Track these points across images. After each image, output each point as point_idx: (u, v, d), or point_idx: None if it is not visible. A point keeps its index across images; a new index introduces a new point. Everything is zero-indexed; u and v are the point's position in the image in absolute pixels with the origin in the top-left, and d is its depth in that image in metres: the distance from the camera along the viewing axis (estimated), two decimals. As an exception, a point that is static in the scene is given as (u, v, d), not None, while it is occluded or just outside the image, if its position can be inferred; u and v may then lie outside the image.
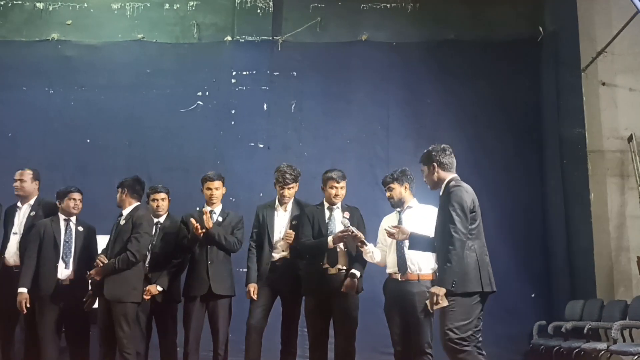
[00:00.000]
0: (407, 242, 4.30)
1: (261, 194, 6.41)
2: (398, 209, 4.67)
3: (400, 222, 4.57)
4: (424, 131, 7.05)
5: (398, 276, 4.47)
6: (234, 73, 7.43)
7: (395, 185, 4.61)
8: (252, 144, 7.27)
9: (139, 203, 4.98)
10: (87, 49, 7.52)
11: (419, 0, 7.59)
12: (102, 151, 7.20)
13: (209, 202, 5.07)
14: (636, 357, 4.89)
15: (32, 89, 7.38)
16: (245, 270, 4.98)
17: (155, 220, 5.12)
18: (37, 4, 7.66)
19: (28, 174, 5.34)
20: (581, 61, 7.06)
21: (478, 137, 7.14)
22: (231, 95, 7.39)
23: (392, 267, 4.54)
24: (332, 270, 4.69)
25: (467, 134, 7.08)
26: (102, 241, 5.15)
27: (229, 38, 7.55)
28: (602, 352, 5.50)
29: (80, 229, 5.14)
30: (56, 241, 4.99)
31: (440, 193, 3.89)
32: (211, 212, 5.03)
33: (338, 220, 4.76)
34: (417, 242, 4.17)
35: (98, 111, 7.33)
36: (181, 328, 5.03)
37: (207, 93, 7.41)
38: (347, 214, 4.77)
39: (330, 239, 4.66)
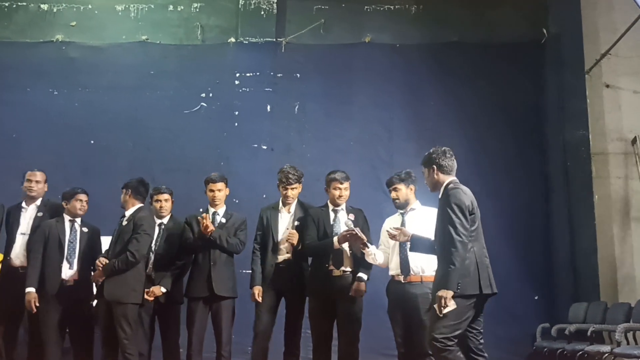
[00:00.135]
0: (408, 244, 4.30)
1: (264, 196, 6.41)
2: (401, 211, 4.66)
3: (403, 223, 4.57)
4: (426, 133, 7.04)
5: (401, 278, 4.47)
6: (237, 74, 7.45)
7: (401, 186, 4.62)
8: (256, 145, 7.28)
9: (142, 205, 4.99)
10: (91, 50, 7.54)
11: (422, 2, 7.59)
12: (106, 152, 7.21)
13: (212, 203, 5.07)
14: (640, 360, 4.89)
15: (35, 90, 7.40)
16: (249, 271, 4.98)
17: (159, 221, 5.12)
18: (42, 6, 7.69)
19: (42, 176, 5.34)
20: (585, 63, 7.05)
21: (481, 139, 7.14)
22: (234, 97, 7.40)
23: (395, 269, 4.54)
24: (337, 272, 4.69)
25: (470, 136, 7.08)
26: (106, 242, 5.15)
27: (233, 40, 7.57)
28: (606, 354, 5.48)
29: (85, 230, 5.15)
30: (61, 242, 5.00)
31: (439, 196, 3.90)
32: (214, 213, 5.04)
33: (343, 222, 4.75)
34: (419, 244, 4.18)
35: (101, 112, 7.34)
36: (184, 329, 5.03)
37: (210, 94, 7.42)
38: (351, 216, 4.76)
39: (335, 239, 4.66)
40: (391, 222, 4.65)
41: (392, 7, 7.61)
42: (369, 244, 4.56)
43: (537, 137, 7.23)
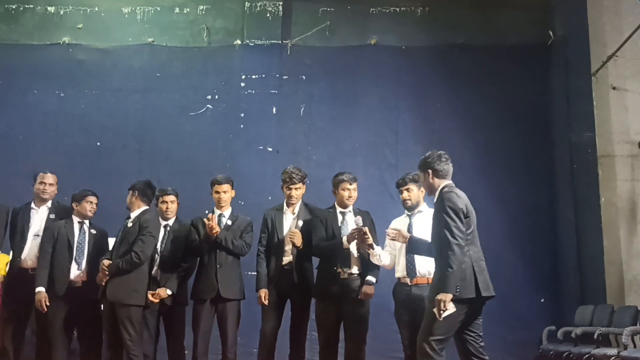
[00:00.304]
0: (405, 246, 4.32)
1: (270, 197, 6.42)
2: (409, 213, 4.66)
3: (410, 225, 4.57)
4: (433, 135, 7.04)
5: (407, 280, 4.47)
6: (243, 77, 7.46)
7: (414, 187, 4.61)
8: (261, 147, 7.29)
9: (147, 207, 5.00)
10: (98, 52, 7.57)
11: (429, 4, 7.59)
12: (112, 154, 7.24)
13: (218, 205, 5.07)
14: (647, 363, 4.87)
15: (43, 93, 7.43)
16: (254, 273, 4.98)
17: (164, 223, 5.13)
18: (49, 8, 7.72)
19: (54, 178, 5.35)
20: (591, 65, 7.01)
21: (487, 142, 7.13)
22: (240, 99, 7.41)
23: (401, 272, 4.53)
24: (344, 275, 4.68)
25: (476, 138, 7.08)
26: (112, 244, 5.16)
27: (239, 42, 7.58)
28: (613, 357, 5.46)
29: (94, 231, 5.18)
30: (70, 243, 5.03)
31: (435, 200, 3.92)
32: (220, 215, 5.04)
33: (351, 224, 4.74)
34: (416, 245, 4.19)
35: (108, 115, 7.37)
36: (190, 331, 5.04)
37: (216, 97, 7.44)
38: (359, 218, 4.76)
39: (344, 238, 4.66)
40: (398, 224, 4.64)
41: (397, 9, 7.62)
42: (374, 245, 4.56)
43: (543, 139, 7.21)
